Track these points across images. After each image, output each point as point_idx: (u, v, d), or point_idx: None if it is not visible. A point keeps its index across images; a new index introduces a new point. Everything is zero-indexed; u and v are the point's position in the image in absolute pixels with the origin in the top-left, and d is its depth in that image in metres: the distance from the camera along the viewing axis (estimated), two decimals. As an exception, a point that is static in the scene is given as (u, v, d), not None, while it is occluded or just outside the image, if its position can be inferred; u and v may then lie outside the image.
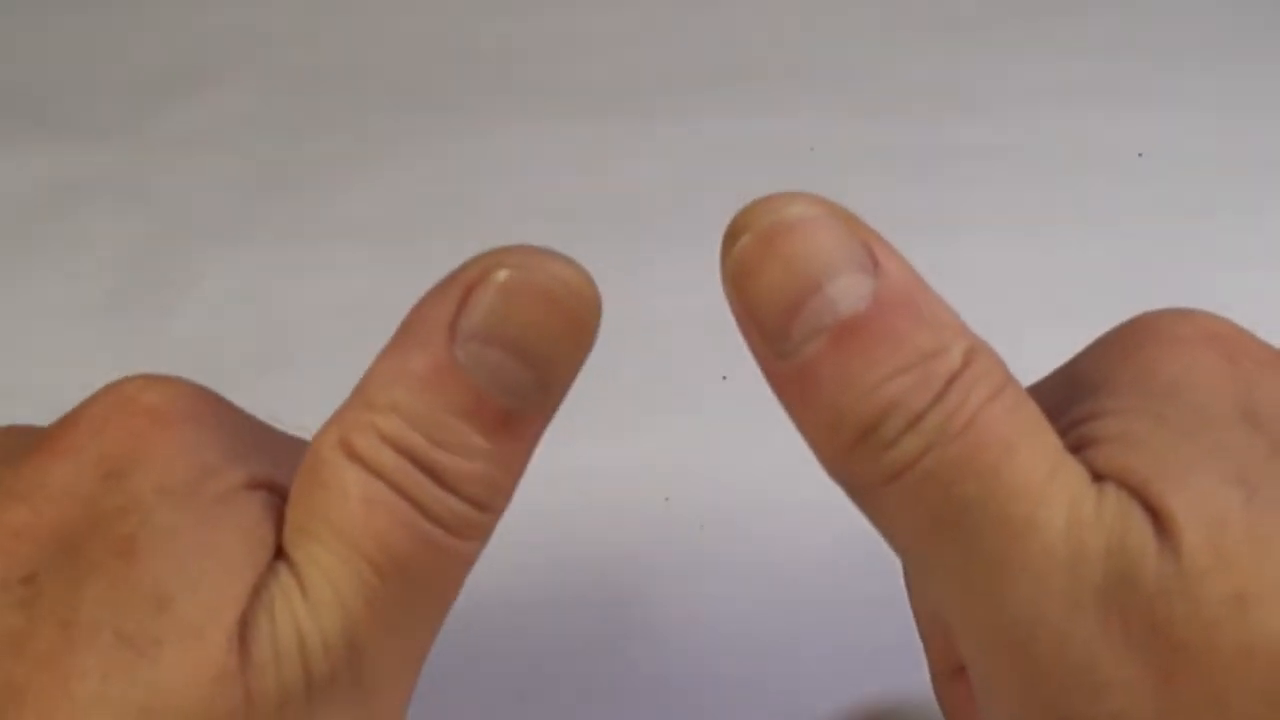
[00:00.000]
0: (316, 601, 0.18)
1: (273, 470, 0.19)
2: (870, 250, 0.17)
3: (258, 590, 0.18)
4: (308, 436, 0.19)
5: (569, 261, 0.19)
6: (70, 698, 0.16)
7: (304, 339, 0.38)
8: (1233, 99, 0.46)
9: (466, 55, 0.50)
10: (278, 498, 0.19)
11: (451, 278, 0.19)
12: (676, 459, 0.33)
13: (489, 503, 0.19)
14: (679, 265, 0.40)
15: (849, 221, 0.18)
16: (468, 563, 0.19)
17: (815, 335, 0.17)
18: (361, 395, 0.19)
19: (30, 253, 0.41)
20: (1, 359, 0.37)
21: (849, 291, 0.17)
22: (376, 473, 0.18)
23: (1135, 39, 0.49)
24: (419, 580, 0.18)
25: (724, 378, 0.35)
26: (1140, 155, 0.43)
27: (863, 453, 0.17)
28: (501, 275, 0.19)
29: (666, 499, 0.32)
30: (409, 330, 0.19)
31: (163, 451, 0.18)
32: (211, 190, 0.44)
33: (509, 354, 0.18)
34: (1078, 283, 0.39)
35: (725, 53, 0.50)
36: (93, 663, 0.17)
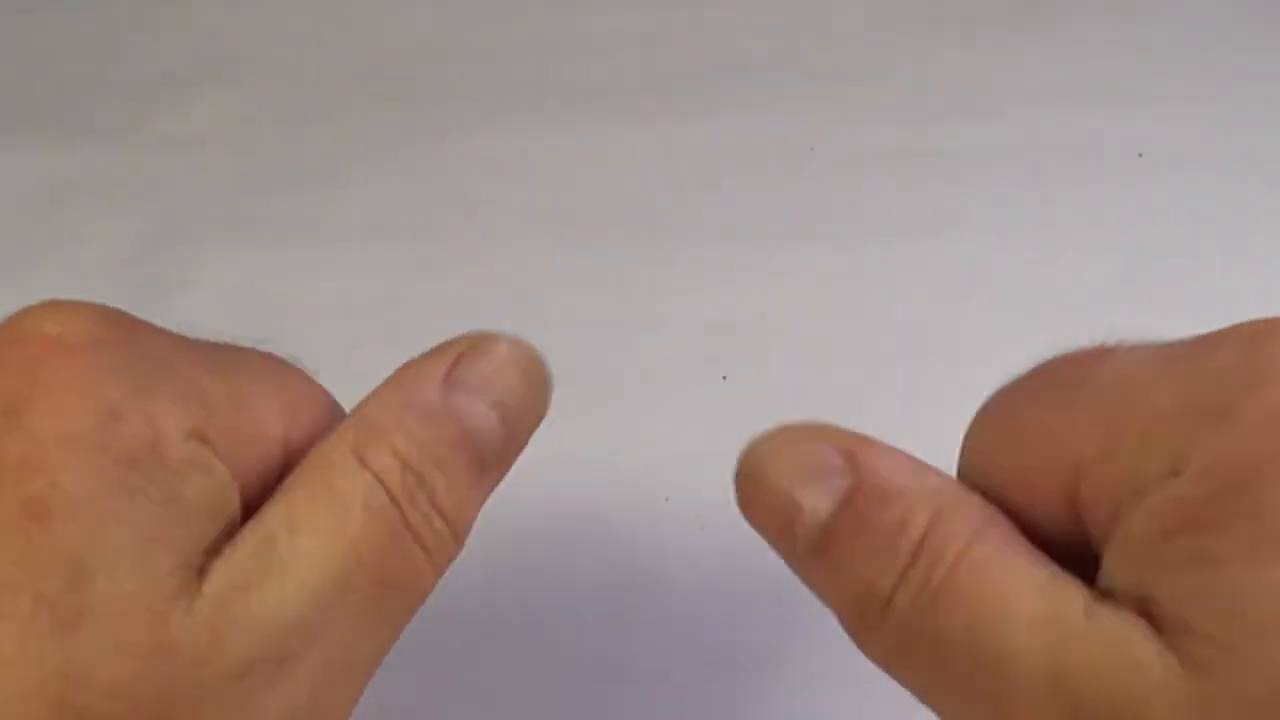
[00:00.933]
0: (292, 586, 0.18)
1: (185, 403, 0.19)
2: (842, 452, 0.19)
3: (190, 562, 0.18)
4: None
5: (534, 347, 0.22)
6: None
7: (303, 339, 0.37)
8: (1233, 99, 0.46)
9: (465, 55, 0.50)
10: (196, 443, 0.19)
11: (443, 346, 0.22)
12: (676, 459, 0.33)
13: (460, 534, 0.21)
14: (679, 265, 0.40)
15: (813, 436, 0.20)
16: (423, 595, 0.21)
17: (809, 542, 0.19)
18: (369, 418, 0.20)
19: (30, 253, 0.41)
20: (1, 359, 0.37)
21: (819, 504, 0.19)
22: (383, 483, 0.19)
23: (1135, 39, 0.49)
24: (389, 594, 0.20)
25: (724, 378, 0.35)
26: (1140, 155, 0.43)
27: (863, 632, 0.19)
28: (502, 346, 0.22)
29: (666, 499, 0.32)
30: (406, 377, 0.21)
31: (61, 387, 0.18)
32: (211, 190, 0.44)
33: (493, 409, 0.21)
34: (1078, 283, 0.39)
35: (725, 53, 0.50)
36: (9, 623, 0.16)
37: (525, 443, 0.23)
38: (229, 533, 0.19)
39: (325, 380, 0.37)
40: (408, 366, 0.22)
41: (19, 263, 0.41)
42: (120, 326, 0.20)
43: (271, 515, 0.19)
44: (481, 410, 0.21)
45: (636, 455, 0.33)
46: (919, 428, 0.33)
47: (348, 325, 0.38)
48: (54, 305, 0.20)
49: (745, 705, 0.28)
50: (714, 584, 0.30)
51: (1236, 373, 0.17)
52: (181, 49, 0.51)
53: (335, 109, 0.48)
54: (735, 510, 0.32)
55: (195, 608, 0.18)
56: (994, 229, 0.41)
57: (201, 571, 0.18)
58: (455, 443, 0.21)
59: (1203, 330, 0.38)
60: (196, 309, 0.39)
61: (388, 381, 0.21)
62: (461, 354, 0.21)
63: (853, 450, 0.19)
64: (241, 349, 0.22)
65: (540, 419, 0.23)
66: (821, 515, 0.19)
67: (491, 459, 0.21)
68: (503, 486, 0.28)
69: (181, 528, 0.18)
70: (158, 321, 0.39)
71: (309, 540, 0.19)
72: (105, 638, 0.17)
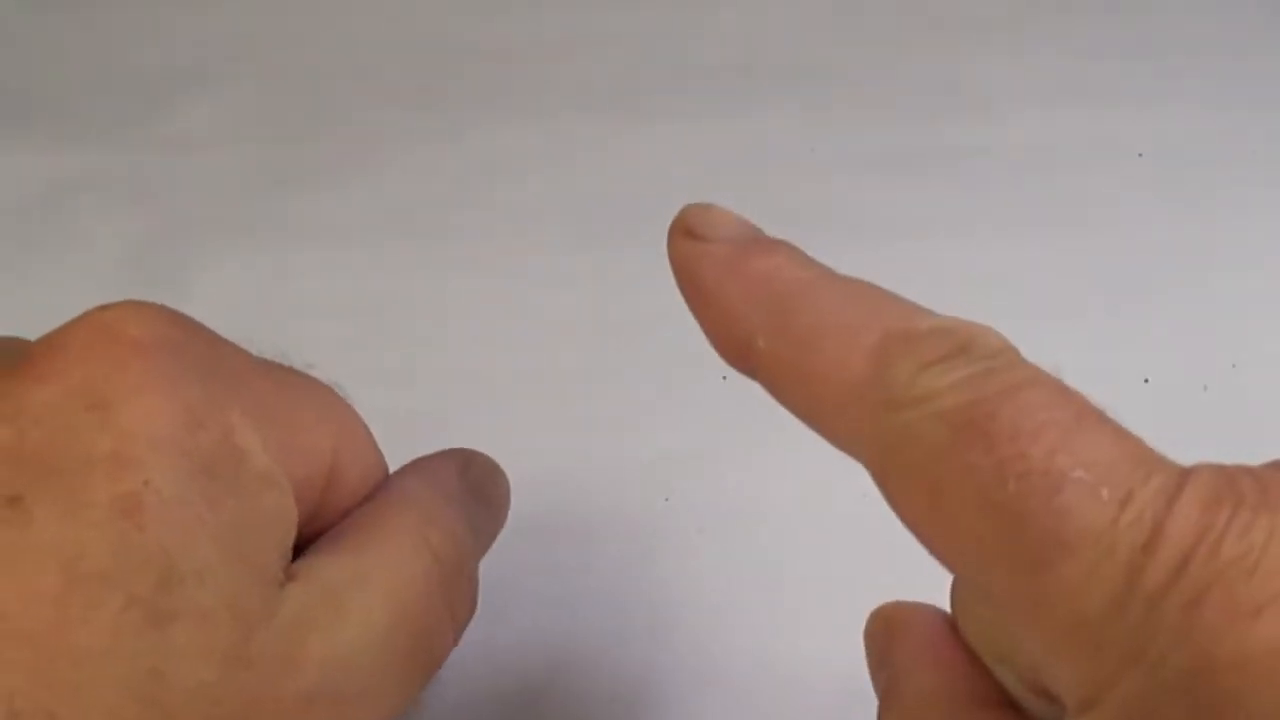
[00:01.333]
0: (358, 634, 0.20)
1: (255, 417, 0.20)
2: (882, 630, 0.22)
3: (266, 576, 0.19)
4: None
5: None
6: (73, 642, 0.17)
7: (304, 339, 0.37)
8: (1233, 99, 0.46)
9: (466, 55, 0.50)
10: (269, 460, 0.20)
11: (447, 451, 0.26)
12: (676, 459, 0.33)
13: (475, 607, 0.24)
14: (679, 265, 0.40)
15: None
16: (441, 662, 0.23)
17: None
18: (422, 502, 0.23)
19: (30, 253, 0.41)
20: (1, 359, 0.37)
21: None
22: (439, 560, 0.22)
23: (1135, 39, 0.49)
24: (419, 655, 0.22)
25: (724, 378, 0.35)
26: (1140, 155, 0.43)
27: None
28: (485, 460, 0.26)
29: (666, 499, 0.32)
30: (432, 471, 0.25)
31: (147, 388, 0.19)
32: (211, 190, 0.44)
33: (489, 508, 0.25)
34: (1078, 283, 0.39)
35: (725, 53, 0.50)
36: (102, 615, 0.17)
37: (494, 538, 0.26)
38: (290, 548, 0.20)
39: (325, 380, 0.37)
40: (429, 462, 0.25)
41: (19, 263, 0.41)
42: (192, 332, 0.21)
43: (344, 565, 0.20)
44: (482, 510, 0.25)
45: (636, 455, 0.33)
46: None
47: (348, 325, 0.38)
48: (133, 306, 0.20)
49: (744, 708, 0.28)
50: (713, 585, 0.30)
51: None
52: (181, 49, 0.51)
53: (335, 109, 0.48)
54: (734, 511, 0.33)
55: (273, 626, 0.18)
56: (994, 229, 0.41)
57: (280, 587, 0.19)
58: (472, 533, 0.24)
59: (1200, 330, 0.38)
60: (196, 309, 0.39)
61: (417, 471, 0.25)
62: (466, 460, 0.25)
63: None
64: (293, 370, 0.23)
65: (505, 517, 0.27)
66: None
67: (482, 549, 0.25)
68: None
69: (257, 542, 0.19)
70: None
71: (374, 597, 0.20)
72: (193, 641, 0.17)
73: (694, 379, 0.35)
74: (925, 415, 0.16)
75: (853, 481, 0.18)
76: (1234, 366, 0.35)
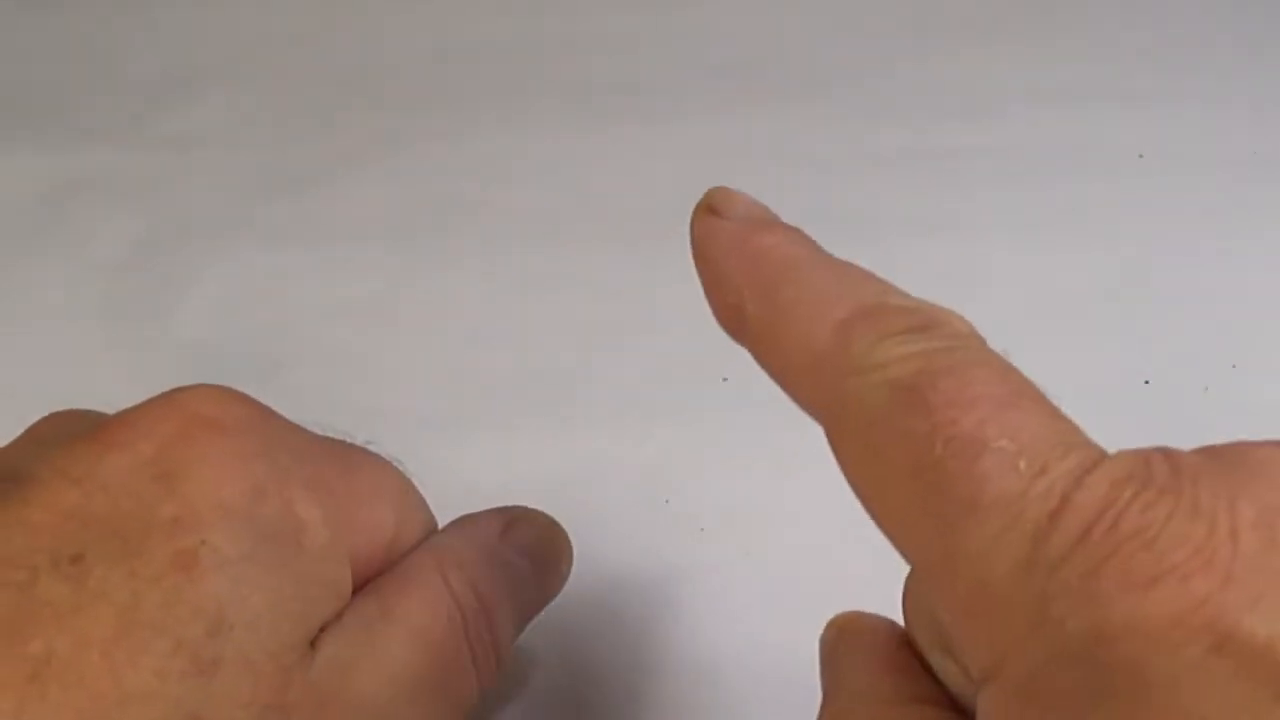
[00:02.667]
0: (385, 671, 0.21)
1: (317, 492, 0.21)
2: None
3: (311, 636, 0.20)
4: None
5: (560, 525, 0.27)
6: (118, 685, 0.17)
7: (304, 339, 0.38)
8: (1233, 99, 0.46)
9: (465, 56, 0.50)
10: (330, 533, 0.21)
11: (499, 509, 0.26)
12: (676, 460, 0.33)
13: (503, 660, 0.24)
14: (679, 265, 0.40)
15: None
16: (466, 713, 0.23)
17: None
18: (450, 547, 0.24)
19: (30, 253, 0.41)
20: (1, 359, 0.37)
21: None
22: (459, 603, 0.23)
23: (1135, 39, 0.49)
24: (444, 703, 0.22)
25: (724, 379, 0.35)
26: (1140, 156, 0.43)
27: None
28: (543, 519, 0.26)
29: (667, 500, 0.32)
30: (471, 525, 0.25)
31: (214, 462, 0.20)
32: (211, 190, 0.44)
33: (533, 567, 0.25)
34: (1077, 283, 0.39)
35: (726, 53, 0.50)
36: (148, 660, 0.18)
37: (550, 599, 0.26)
38: (339, 613, 0.21)
39: (325, 381, 0.37)
40: (471, 517, 0.25)
41: (19, 263, 0.41)
42: (261, 414, 0.22)
43: (369, 607, 0.21)
44: (526, 565, 0.25)
45: (636, 457, 0.33)
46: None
47: (348, 325, 0.38)
48: (206, 388, 0.21)
49: (744, 709, 0.28)
50: (714, 586, 0.30)
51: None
52: (181, 49, 0.51)
53: (335, 109, 0.48)
54: (734, 511, 0.33)
55: (309, 677, 0.19)
56: (994, 229, 0.41)
57: (314, 644, 0.20)
58: (507, 586, 0.24)
59: (1200, 330, 0.38)
60: (197, 309, 0.39)
61: (456, 524, 0.25)
62: (514, 518, 0.25)
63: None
64: (355, 448, 0.24)
65: (562, 583, 0.27)
66: None
67: (526, 606, 0.25)
68: (504, 489, 0.28)
69: (308, 605, 0.20)
70: (159, 323, 0.39)
71: (397, 634, 0.21)
72: (235, 688, 0.18)
73: (694, 379, 0.35)
74: (873, 381, 0.16)
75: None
76: (1234, 367, 0.35)
